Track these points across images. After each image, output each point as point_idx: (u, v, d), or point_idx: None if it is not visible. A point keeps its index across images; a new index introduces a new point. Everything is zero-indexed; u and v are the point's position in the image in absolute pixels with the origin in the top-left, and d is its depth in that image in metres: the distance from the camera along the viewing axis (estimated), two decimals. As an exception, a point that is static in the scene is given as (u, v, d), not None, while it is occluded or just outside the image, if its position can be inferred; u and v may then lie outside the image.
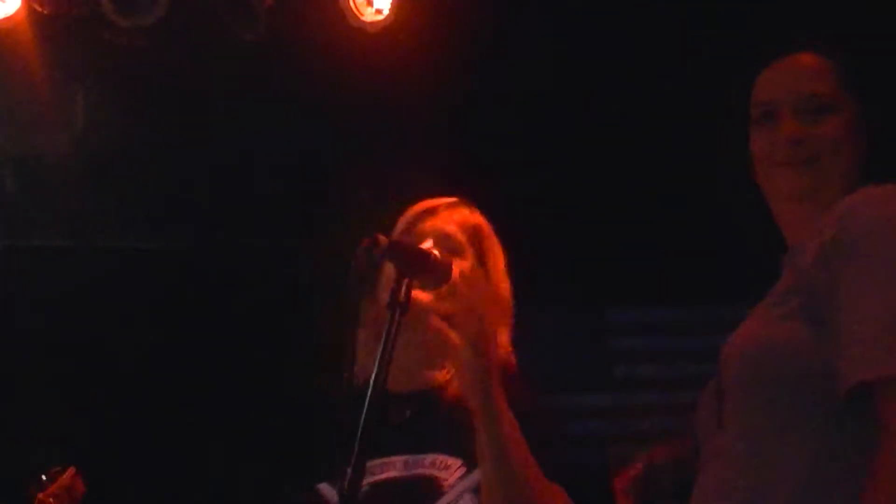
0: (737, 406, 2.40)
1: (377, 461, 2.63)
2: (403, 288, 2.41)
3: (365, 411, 2.29)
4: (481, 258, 2.80)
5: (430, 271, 2.50)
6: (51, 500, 4.21)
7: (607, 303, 5.28)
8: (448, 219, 2.82)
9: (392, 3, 4.56)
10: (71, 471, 4.31)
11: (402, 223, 2.85)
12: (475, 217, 2.86)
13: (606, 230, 4.75)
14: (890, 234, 2.25)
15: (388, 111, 4.91)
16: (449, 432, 2.61)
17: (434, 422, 2.67)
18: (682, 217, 4.63)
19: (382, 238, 2.43)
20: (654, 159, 4.63)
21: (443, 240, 2.72)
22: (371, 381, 2.32)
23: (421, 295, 2.54)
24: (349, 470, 2.26)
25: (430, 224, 2.81)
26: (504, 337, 2.76)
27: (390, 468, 2.65)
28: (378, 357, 2.33)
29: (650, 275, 4.89)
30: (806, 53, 2.58)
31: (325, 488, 2.70)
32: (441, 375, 2.74)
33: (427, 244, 2.60)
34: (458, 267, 2.65)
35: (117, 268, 5.15)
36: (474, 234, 2.82)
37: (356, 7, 4.59)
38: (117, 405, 5.15)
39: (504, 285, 2.84)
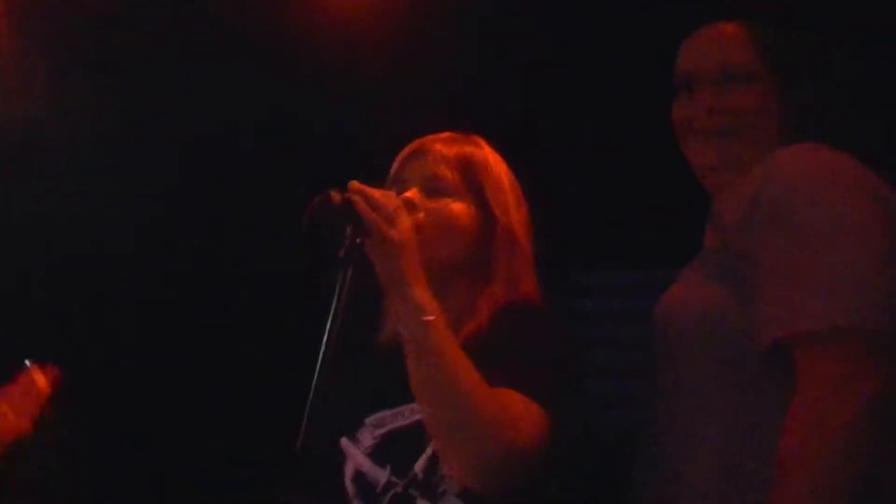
0: (667, 367, 2.45)
1: (387, 412, 2.61)
2: (356, 247, 2.35)
3: (318, 368, 2.26)
4: (478, 192, 2.70)
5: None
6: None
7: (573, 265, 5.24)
8: (437, 157, 2.72)
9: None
10: (32, 367, 3.68)
11: (393, 166, 2.78)
12: (469, 149, 2.75)
13: (572, 193, 4.73)
14: (807, 193, 2.29)
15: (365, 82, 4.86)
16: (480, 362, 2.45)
17: None
18: (644, 182, 4.63)
19: (335, 195, 2.38)
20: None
21: (428, 181, 2.69)
22: (324, 340, 2.27)
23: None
24: (303, 425, 2.22)
25: (416, 165, 2.73)
26: (518, 268, 2.69)
27: (398, 418, 2.61)
28: (331, 314, 2.29)
29: (617, 238, 4.90)
30: (727, 23, 2.59)
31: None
32: (449, 317, 2.57)
33: (408, 194, 2.61)
34: (443, 207, 2.64)
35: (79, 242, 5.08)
36: (467, 169, 2.71)
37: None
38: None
39: (512, 216, 2.72)
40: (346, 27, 4.65)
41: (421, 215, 2.60)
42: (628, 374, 4.59)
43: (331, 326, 2.27)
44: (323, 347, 2.26)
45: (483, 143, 2.80)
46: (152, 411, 5.10)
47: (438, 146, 2.73)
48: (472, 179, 2.70)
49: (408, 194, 2.61)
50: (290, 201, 2.61)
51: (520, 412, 2.36)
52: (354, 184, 2.42)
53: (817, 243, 2.22)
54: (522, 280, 2.68)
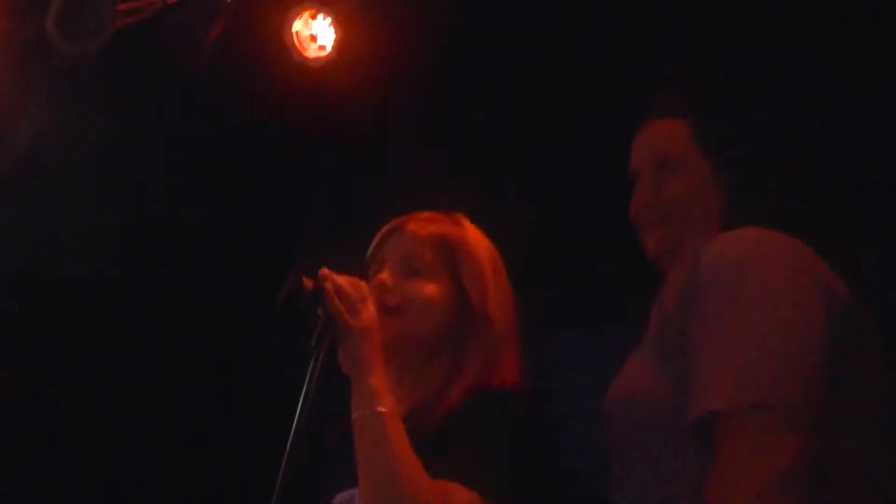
0: (614, 443, 2.49)
1: (354, 491, 2.58)
2: (327, 334, 2.43)
3: (287, 451, 2.32)
4: (454, 273, 2.70)
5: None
6: None
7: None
8: (413, 237, 2.72)
9: (335, 40, 4.59)
10: None
11: (371, 246, 2.79)
12: (447, 229, 2.75)
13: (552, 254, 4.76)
14: (732, 275, 2.32)
15: (331, 146, 4.92)
16: (434, 453, 2.50)
17: (416, 446, 2.50)
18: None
19: (307, 281, 2.44)
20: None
21: (404, 262, 2.69)
22: (294, 422, 2.34)
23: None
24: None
25: (393, 246, 2.74)
26: (494, 351, 2.65)
27: None
28: (302, 397, 2.36)
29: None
30: (663, 118, 2.64)
31: None
32: (420, 398, 2.66)
33: (382, 276, 2.63)
34: (418, 288, 2.65)
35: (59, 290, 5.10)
36: (443, 249, 2.71)
37: (300, 43, 4.61)
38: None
39: (489, 298, 2.70)
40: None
41: (394, 297, 2.62)
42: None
43: (301, 410, 2.34)
44: (293, 430, 2.33)
45: (464, 221, 2.80)
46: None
47: (415, 226, 2.74)
48: (448, 260, 2.70)
49: (381, 276, 2.64)
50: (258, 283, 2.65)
51: None
52: (325, 270, 2.48)
53: (735, 321, 2.26)
54: (500, 364, 2.65)
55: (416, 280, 2.67)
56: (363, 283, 2.54)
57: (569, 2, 4.46)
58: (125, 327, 5.19)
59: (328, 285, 2.45)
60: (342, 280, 2.48)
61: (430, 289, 2.67)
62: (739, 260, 2.33)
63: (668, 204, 2.59)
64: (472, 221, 2.84)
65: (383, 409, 2.42)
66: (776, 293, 2.29)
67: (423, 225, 2.74)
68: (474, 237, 2.77)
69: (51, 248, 4.96)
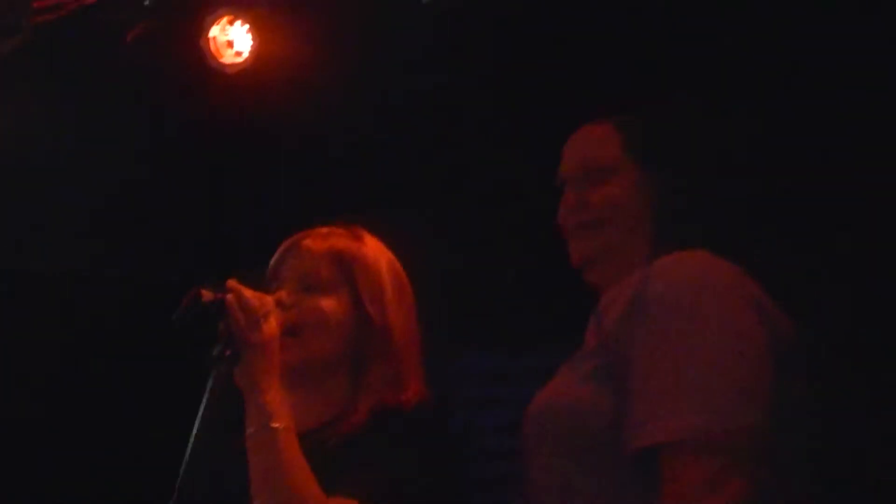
0: (535, 462, 2.47)
1: None
2: (228, 347, 2.42)
3: (183, 467, 2.31)
4: (353, 288, 2.67)
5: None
6: None
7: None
8: (310, 253, 2.70)
9: (252, 47, 4.58)
10: None
11: (271, 263, 2.75)
12: (344, 244, 2.72)
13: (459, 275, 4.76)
14: (678, 298, 2.32)
15: (246, 152, 4.90)
16: (337, 472, 2.48)
17: (322, 463, 2.49)
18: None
19: (206, 293, 2.43)
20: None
21: (302, 279, 2.67)
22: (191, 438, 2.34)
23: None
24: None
25: (291, 263, 2.71)
26: (396, 366, 2.64)
27: None
28: (201, 410, 2.35)
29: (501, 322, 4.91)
30: (595, 123, 2.63)
31: None
32: (326, 414, 2.64)
33: (279, 294, 2.59)
34: (316, 306, 2.62)
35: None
36: (340, 264, 2.68)
37: (216, 48, 4.59)
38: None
39: (389, 312, 2.68)
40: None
41: (294, 315, 2.60)
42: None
43: (200, 422, 2.35)
44: (191, 442, 2.34)
45: (365, 235, 2.77)
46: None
47: (310, 242, 2.72)
48: (345, 275, 2.67)
49: (278, 295, 2.61)
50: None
51: None
52: (232, 282, 2.47)
53: (686, 351, 2.25)
54: (403, 377, 2.64)
55: (314, 297, 2.64)
56: (269, 299, 2.53)
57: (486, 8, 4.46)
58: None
59: (230, 297, 2.44)
60: (248, 293, 2.47)
61: (328, 305, 2.64)
62: (690, 286, 2.32)
63: (596, 210, 2.57)
64: (383, 232, 2.82)
65: (277, 425, 2.42)
66: (727, 324, 2.29)
67: (319, 240, 2.72)
68: (373, 250, 2.74)
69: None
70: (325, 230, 2.76)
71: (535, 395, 2.55)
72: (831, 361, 2.74)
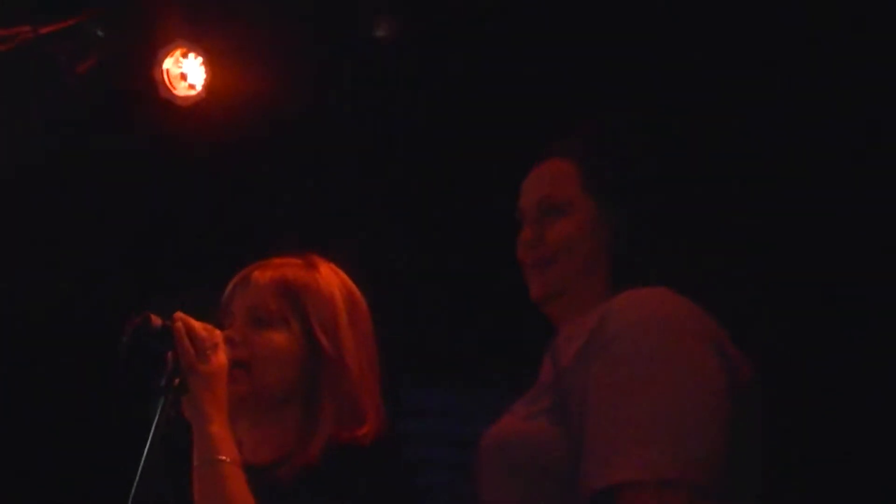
0: (491, 497, 2.42)
1: None
2: (176, 375, 2.38)
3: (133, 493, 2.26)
4: (304, 319, 2.60)
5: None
6: None
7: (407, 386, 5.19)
8: (259, 286, 2.62)
9: (205, 80, 4.55)
10: None
11: (223, 296, 2.69)
12: (294, 273, 2.64)
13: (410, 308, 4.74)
14: (639, 338, 2.29)
15: (198, 185, 4.87)
16: None
17: (274, 499, 2.44)
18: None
19: (155, 318, 2.39)
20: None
21: (251, 312, 2.61)
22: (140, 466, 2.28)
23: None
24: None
25: (241, 296, 2.64)
26: (350, 398, 2.57)
27: None
28: (148, 441, 2.29)
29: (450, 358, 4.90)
30: (553, 159, 2.63)
31: None
32: (280, 448, 2.57)
33: (228, 331, 2.55)
34: (265, 340, 2.57)
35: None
36: (290, 295, 2.61)
37: (169, 81, 4.57)
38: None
39: (343, 343, 2.60)
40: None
41: (243, 351, 2.54)
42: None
43: (147, 454, 2.28)
44: (138, 474, 2.27)
45: (319, 262, 2.70)
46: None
47: (261, 274, 2.65)
48: (295, 305, 2.60)
49: (228, 332, 2.55)
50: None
51: None
52: (179, 314, 2.43)
53: (645, 392, 2.22)
54: (360, 411, 2.57)
55: (263, 331, 2.58)
56: (217, 332, 2.48)
57: (443, 37, 4.47)
58: None
59: (178, 325, 2.40)
60: (196, 324, 2.43)
61: (278, 339, 2.58)
62: (649, 325, 2.30)
63: (553, 246, 2.55)
64: (341, 262, 2.76)
65: (224, 458, 2.37)
66: (686, 364, 2.26)
67: (269, 271, 2.65)
68: (325, 278, 2.67)
69: None
70: (277, 261, 2.69)
71: (488, 430, 2.52)
72: (785, 402, 2.74)
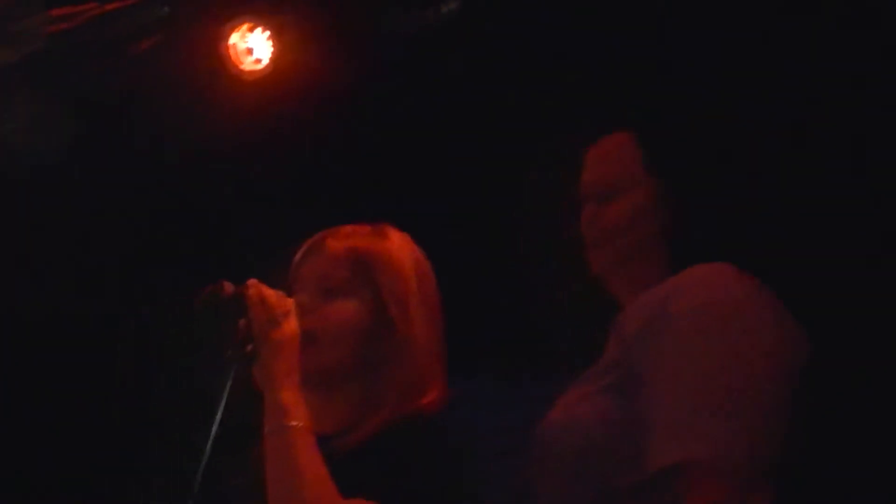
0: (549, 478, 2.43)
1: None
2: (248, 342, 2.40)
3: (203, 460, 2.30)
4: (374, 290, 2.60)
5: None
6: None
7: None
8: (330, 255, 2.63)
9: (272, 54, 4.59)
10: None
11: (292, 264, 2.70)
12: (367, 243, 2.64)
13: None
14: (704, 317, 2.30)
15: (265, 159, 4.90)
16: (355, 478, 2.42)
17: (338, 469, 2.42)
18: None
19: (228, 285, 2.41)
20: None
21: (321, 281, 2.62)
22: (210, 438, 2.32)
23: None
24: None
25: (311, 265, 2.65)
26: (415, 372, 2.57)
27: None
28: (219, 409, 2.33)
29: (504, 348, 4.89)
30: (615, 134, 2.63)
31: None
32: (343, 420, 2.59)
33: (299, 298, 2.56)
34: (334, 311, 2.58)
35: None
36: (361, 266, 2.60)
37: (236, 55, 4.60)
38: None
39: (412, 315, 2.60)
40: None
41: (313, 320, 2.55)
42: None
43: (218, 421, 2.33)
44: (209, 441, 2.32)
45: (391, 232, 2.69)
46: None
47: (332, 243, 2.65)
48: (366, 276, 2.60)
49: (300, 298, 2.56)
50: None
51: None
52: (253, 281, 2.45)
53: (709, 369, 2.24)
54: (423, 382, 2.57)
55: (333, 301, 2.59)
56: (289, 300, 2.50)
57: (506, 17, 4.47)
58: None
59: (251, 292, 2.42)
60: (268, 291, 2.45)
61: (348, 310, 2.59)
62: (714, 301, 2.31)
63: (614, 223, 2.57)
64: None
65: (295, 424, 2.38)
66: (751, 342, 2.27)
67: (341, 240, 2.65)
68: (397, 248, 2.66)
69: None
70: (348, 229, 2.69)
71: (547, 413, 2.53)
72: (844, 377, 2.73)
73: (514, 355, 4.66)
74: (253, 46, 4.60)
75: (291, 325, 2.45)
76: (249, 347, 2.41)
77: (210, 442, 2.33)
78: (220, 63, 4.59)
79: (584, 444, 2.38)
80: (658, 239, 2.56)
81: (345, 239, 2.65)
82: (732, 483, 2.17)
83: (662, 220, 2.56)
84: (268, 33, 4.58)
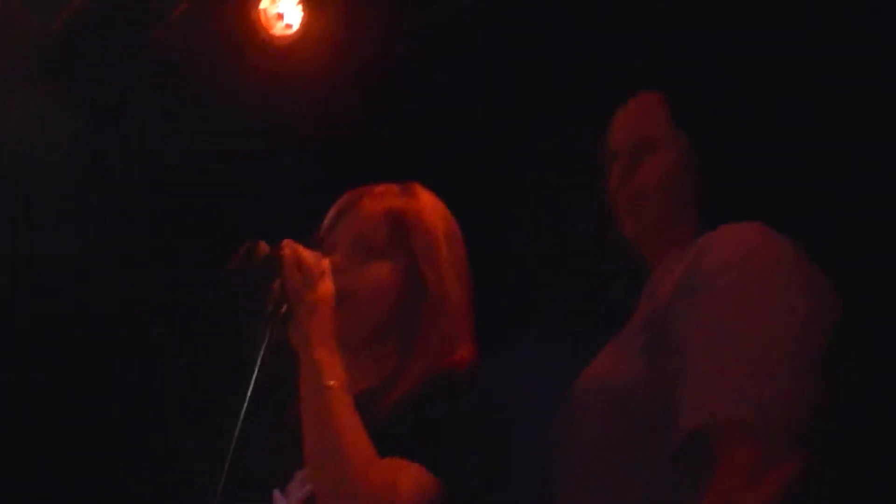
0: (583, 439, 2.44)
1: None
2: (283, 302, 2.41)
3: (238, 427, 2.30)
4: (407, 249, 2.63)
5: None
6: None
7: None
8: (363, 215, 2.66)
9: (302, 19, 4.59)
10: None
11: (324, 223, 2.72)
12: (399, 203, 2.67)
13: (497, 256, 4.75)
14: (738, 275, 2.30)
15: (295, 124, 4.92)
16: (392, 435, 2.45)
17: (374, 427, 2.44)
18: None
19: (263, 245, 2.42)
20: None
21: (355, 241, 2.64)
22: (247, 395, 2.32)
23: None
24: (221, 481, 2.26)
25: (344, 224, 2.67)
26: (449, 328, 2.61)
27: None
28: (256, 369, 2.34)
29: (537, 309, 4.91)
30: (642, 94, 2.63)
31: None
32: (377, 379, 2.62)
33: (335, 258, 2.57)
34: (370, 271, 2.60)
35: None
36: (395, 225, 2.64)
37: (266, 20, 4.61)
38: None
39: (444, 273, 2.64)
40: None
41: (348, 281, 2.57)
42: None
43: (255, 379, 2.33)
44: (245, 403, 2.32)
45: (421, 192, 2.72)
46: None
47: (367, 202, 2.67)
48: (401, 236, 2.63)
49: (334, 258, 2.58)
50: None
51: (405, 485, 2.36)
52: (288, 241, 2.46)
53: (747, 328, 2.24)
54: (455, 341, 2.61)
55: (368, 262, 2.62)
56: (325, 260, 2.51)
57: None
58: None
59: (287, 252, 2.43)
60: (304, 251, 2.46)
61: (383, 271, 2.61)
62: (746, 260, 2.31)
63: (645, 183, 2.56)
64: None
65: (331, 384, 2.39)
66: (784, 301, 2.27)
67: (376, 201, 2.67)
68: (428, 208, 2.70)
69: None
70: (380, 189, 2.71)
71: (582, 373, 2.54)
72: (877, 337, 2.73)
73: (551, 317, 4.67)
74: (283, 12, 4.61)
75: (327, 286, 2.46)
76: (284, 308, 2.41)
77: (246, 403, 2.33)
78: (250, 29, 4.60)
79: (617, 403, 2.38)
80: (688, 199, 2.56)
81: (380, 199, 2.67)
82: (768, 444, 2.16)
83: (693, 179, 2.56)
84: (298, -2, 4.60)
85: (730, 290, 2.28)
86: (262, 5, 4.60)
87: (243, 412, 2.32)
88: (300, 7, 4.59)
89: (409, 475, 2.38)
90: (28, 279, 5.01)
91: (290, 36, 4.61)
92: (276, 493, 2.62)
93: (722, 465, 2.18)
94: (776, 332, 2.24)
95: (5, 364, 5.01)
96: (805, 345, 2.25)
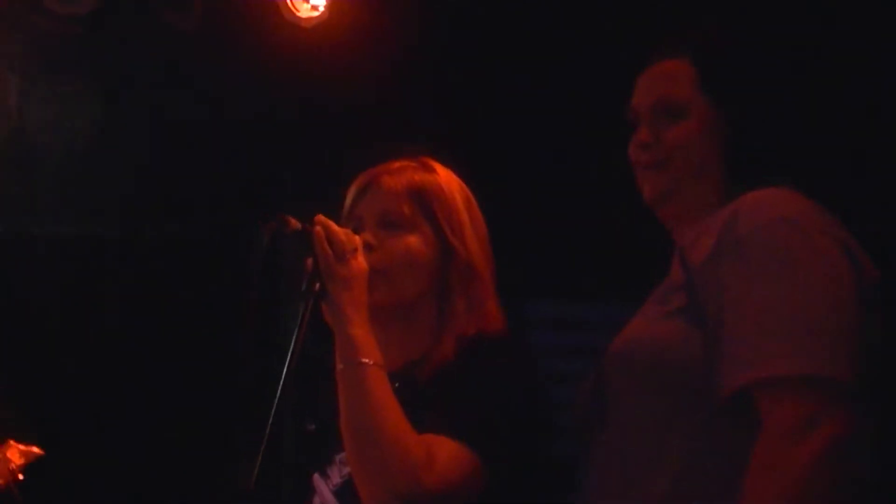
0: (619, 404, 2.44)
1: None
2: (316, 280, 2.41)
3: (276, 401, 2.30)
4: (433, 221, 2.65)
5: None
6: None
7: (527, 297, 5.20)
8: (388, 190, 2.66)
9: (328, 1, 4.61)
10: (8, 443, 3.63)
11: (346, 202, 2.72)
12: (420, 177, 2.68)
13: (527, 222, 4.76)
14: (772, 237, 2.30)
15: (321, 107, 4.94)
16: (428, 408, 2.47)
17: (413, 401, 2.47)
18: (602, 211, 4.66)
19: (293, 221, 2.42)
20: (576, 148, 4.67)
21: (382, 217, 2.65)
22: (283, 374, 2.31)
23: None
24: (255, 461, 2.25)
25: (369, 201, 2.68)
26: (479, 295, 2.64)
27: None
28: (291, 347, 2.33)
29: (569, 269, 4.92)
30: (668, 59, 2.62)
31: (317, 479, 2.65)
32: (414, 352, 2.63)
33: (365, 236, 2.58)
34: (399, 245, 2.60)
35: (48, 255, 5.11)
36: (419, 198, 2.65)
37: (293, 2, 4.63)
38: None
39: (468, 241, 2.66)
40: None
41: (380, 256, 2.58)
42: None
43: (290, 359, 2.32)
44: (282, 381, 2.30)
45: (435, 165, 2.73)
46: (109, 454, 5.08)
47: (388, 179, 2.67)
48: (425, 209, 2.64)
49: (365, 236, 2.59)
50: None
51: (441, 460, 2.38)
52: (320, 217, 2.47)
53: (785, 288, 2.24)
54: (485, 307, 2.64)
55: (397, 236, 2.62)
56: (357, 236, 2.53)
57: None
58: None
59: (318, 229, 2.44)
60: (335, 228, 2.47)
61: (413, 243, 2.62)
62: (780, 223, 2.30)
63: (668, 148, 2.55)
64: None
65: (367, 360, 2.41)
66: (819, 263, 2.27)
67: (395, 176, 2.67)
68: (447, 179, 2.71)
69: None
70: (397, 164, 2.72)
71: (618, 334, 2.55)
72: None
73: (583, 278, 4.68)
74: (309, -7, 4.63)
75: (360, 262, 2.47)
76: (318, 285, 2.43)
77: (282, 380, 2.31)
78: (277, 9, 4.62)
79: (652, 366, 2.38)
80: (712, 163, 2.55)
81: (399, 174, 2.68)
82: (812, 402, 2.16)
83: (717, 143, 2.55)
84: (323, -21, 4.61)
85: (762, 253, 2.29)
86: (288, -14, 4.62)
87: (279, 390, 2.31)
88: (326, -12, 4.60)
89: (445, 450, 2.39)
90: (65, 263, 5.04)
91: (317, 18, 4.63)
92: (316, 477, 2.65)
93: (767, 421, 2.18)
94: (815, 291, 2.24)
95: (48, 348, 5.03)
96: (840, 304, 2.25)
